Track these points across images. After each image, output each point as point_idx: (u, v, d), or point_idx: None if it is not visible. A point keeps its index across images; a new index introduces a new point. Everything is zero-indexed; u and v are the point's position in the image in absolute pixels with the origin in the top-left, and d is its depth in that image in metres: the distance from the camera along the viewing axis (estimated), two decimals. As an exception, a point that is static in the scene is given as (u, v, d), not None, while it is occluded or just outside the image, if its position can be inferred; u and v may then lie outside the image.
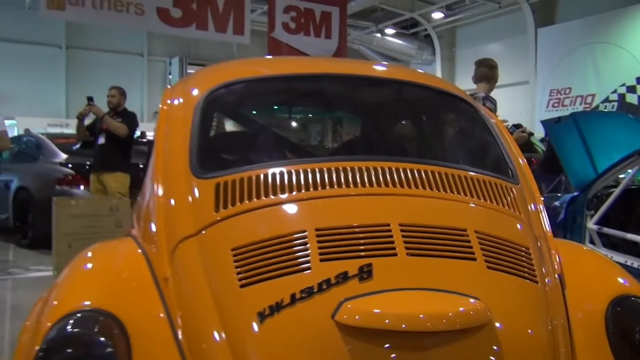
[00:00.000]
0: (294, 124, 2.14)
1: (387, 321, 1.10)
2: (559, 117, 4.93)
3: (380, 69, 2.23)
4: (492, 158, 1.81)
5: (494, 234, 1.40)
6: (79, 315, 1.22)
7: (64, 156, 6.49)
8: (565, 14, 14.64)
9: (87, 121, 5.62)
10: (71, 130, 13.88)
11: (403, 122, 2.24)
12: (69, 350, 1.14)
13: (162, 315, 1.27)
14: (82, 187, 6.01)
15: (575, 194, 4.84)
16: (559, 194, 5.23)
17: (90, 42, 17.69)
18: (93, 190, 5.37)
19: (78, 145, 6.77)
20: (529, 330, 1.29)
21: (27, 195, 6.20)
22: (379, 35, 19.28)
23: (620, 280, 1.55)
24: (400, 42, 19.60)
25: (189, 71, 17.47)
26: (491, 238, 1.38)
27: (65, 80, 17.53)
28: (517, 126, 4.25)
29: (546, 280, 1.42)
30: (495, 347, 1.18)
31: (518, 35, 15.74)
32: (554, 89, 14.54)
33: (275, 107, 2.14)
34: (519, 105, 15.28)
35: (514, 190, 1.62)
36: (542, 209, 1.71)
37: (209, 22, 11.23)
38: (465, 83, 17.97)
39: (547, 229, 1.65)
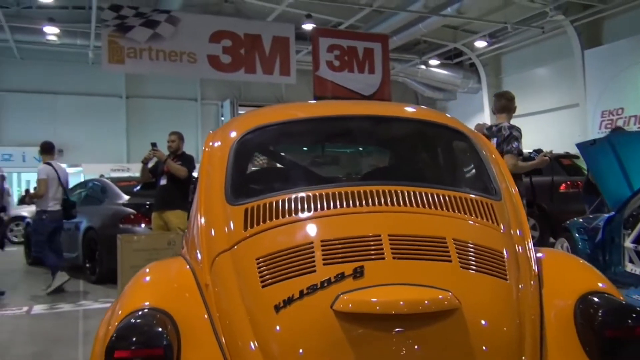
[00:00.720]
0: (310, 157, 2.55)
1: (375, 307, 1.40)
2: (594, 140, 5.00)
3: (381, 108, 2.61)
4: (478, 179, 2.11)
5: (470, 240, 1.66)
6: (141, 312, 1.57)
7: (126, 197, 7.04)
8: (611, 35, 14.45)
9: (150, 164, 6.10)
10: (131, 173, 14.76)
11: (399, 152, 2.57)
12: (134, 338, 1.47)
13: (203, 312, 1.62)
14: (143, 225, 6.50)
15: (612, 214, 4.87)
16: (599, 215, 5.24)
17: (147, 91, 18.81)
18: (155, 226, 5.79)
19: (138, 187, 7.33)
20: (495, 319, 1.51)
21: (95, 235, 6.74)
22: (423, 67, 19.45)
23: (590, 278, 1.76)
24: (445, 72, 19.68)
25: (239, 112, 18.20)
26: (466, 244, 1.64)
27: (126, 127, 18.65)
28: (538, 151, 4.50)
29: (518, 279, 1.64)
30: (463, 330, 1.43)
31: (564, 58, 15.60)
32: (606, 110, 14.25)
33: (295, 144, 2.56)
34: (569, 129, 15.06)
35: (494, 205, 1.88)
36: (524, 221, 1.93)
37: (256, 66, 11.84)
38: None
39: (528, 238, 1.86)
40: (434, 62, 19.20)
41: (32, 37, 15.50)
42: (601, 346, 1.52)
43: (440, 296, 1.41)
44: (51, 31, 14.79)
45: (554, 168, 7.39)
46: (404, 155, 2.54)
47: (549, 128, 15.87)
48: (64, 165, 6.97)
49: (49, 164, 6.27)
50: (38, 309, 5.39)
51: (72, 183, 7.35)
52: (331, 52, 12.29)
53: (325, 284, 1.48)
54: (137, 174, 10.78)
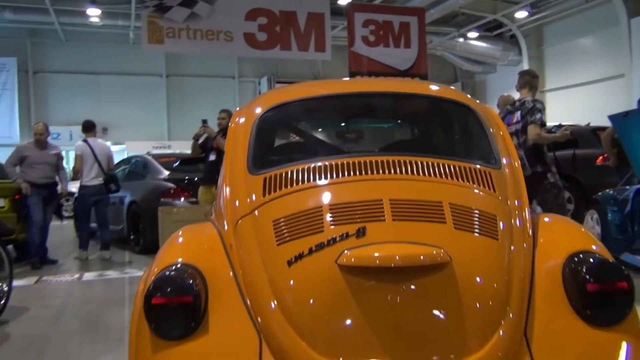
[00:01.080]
0: (325, 131, 2.73)
1: (374, 261, 1.56)
2: (627, 112, 4.95)
3: (394, 85, 2.79)
4: (479, 150, 2.25)
5: (465, 204, 1.81)
6: (174, 267, 1.77)
7: (166, 173, 7.36)
8: (659, 2, 13.89)
9: (200, 140, 6.41)
10: (172, 150, 15.19)
11: (407, 126, 2.75)
12: (168, 288, 1.67)
13: (228, 268, 1.82)
14: (182, 199, 6.82)
15: (641, 185, 4.83)
16: (629, 187, 5.20)
17: (187, 69, 19.19)
18: (203, 200, 6.07)
19: (177, 163, 7.65)
20: (483, 274, 1.66)
21: (138, 208, 7.10)
22: (462, 39, 19.11)
23: (580, 240, 1.89)
24: (484, 44, 19.27)
25: (276, 89, 18.36)
26: (461, 208, 1.79)
27: (167, 105, 19.13)
28: (559, 127, 4.66)
29: (510, 240, 1.78)
30: (453, 283, 1.58)
31: (609, 27, 15.08)
32: (654, 80, 13.77)
33: (312, 119, 2.76)
34: (615, 100, 14.59)
35: (492, 174, 2.02)
36: (522, 189, 2.07)
37: (292, 43, 11.93)
38: (556, 80, 17.41)
39: (525, 205, 1.99)
40: (472, 34, 18.83)
41: (76, 19, 16.02)
42: (584, 299, 1.66)
43: (433, 252, 1.56)
44: (93, 13, 15.24)
45: (591, 141, 7.29)
46: (411, 128, 2.71)
47: (594, 100, 15.44)
48: (108, 143, 7.39)
49: (85, 141, 6.71)
50: (88, 276, 5.80)
51: (116, 160, 7.78)
52: (366, 27, 12.23)
53: (332, 242, 1.66)
54: (178, 151, 11.16)
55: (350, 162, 2.00)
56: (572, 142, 7.62)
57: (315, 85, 2.68)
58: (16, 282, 5.00)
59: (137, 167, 8.08)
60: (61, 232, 9.07)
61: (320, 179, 1.95)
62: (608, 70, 15.43)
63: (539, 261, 1.78)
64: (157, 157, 8.27)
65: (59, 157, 6.59)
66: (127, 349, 1.78)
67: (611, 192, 5.41)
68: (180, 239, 2.06)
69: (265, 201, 1.93)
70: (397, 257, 1.55)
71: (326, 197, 1.87)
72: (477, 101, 2.50)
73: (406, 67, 12.53)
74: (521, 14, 17.18)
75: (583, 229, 2.04)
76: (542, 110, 4.38)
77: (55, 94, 17.99)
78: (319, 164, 2.01)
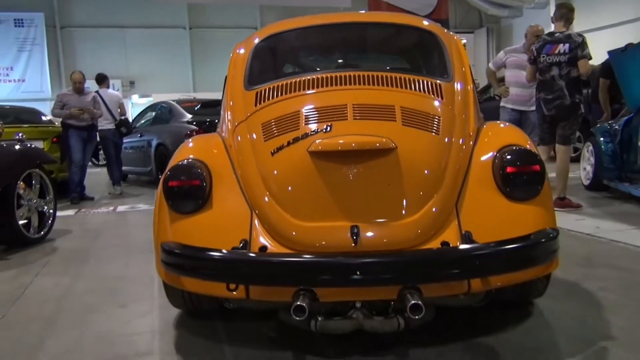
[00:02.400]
0: (306, 53, 3.21)
1: (336, 146, 1.98)
2: (625, 46, 5.13)
3: (368, 15, 3.38)
4: (433, 67, 2.66)
5: (413, 107, 2.24)
6: (185, 161, 2.25)
7: (189, 116, 7.82)
8: None
9: None
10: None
11: (374, 47, 3.21)
12: (181, 175, 2.17)
13: (228, 162, 2.27)
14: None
15: (631, 115, 5.06)
16: (621, 119, 5.42)
17: (209, 21, 19.37)
18: None
19: (199, 107, 8.11)
20: (423, 159, 2.07)
21: (164, 150, 7.59)
22: (486, -18, 18.69)
23: (513, 137, 2.29)
24: (509, -13, 18.81)
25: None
26: (410, 110, 2.21)
27: (191, 57, 19.44)
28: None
29: (450, 136, 2.19)
30: (397, 165, 1.99)
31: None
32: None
33: (296, 45, 3.19)
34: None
35: (442, 85, 2.43)
36: (469, 99, 2.46)
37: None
38: (585, 22, 16.94)
39: (470, 111, 2.39)
40: (498, -23, 18.37)
41: (100, -27, 16.28)
42: (504, 179, 2.08)
43: (382, 140, 1.97)
44: (116, -35, 15.48)
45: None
46: (376, 49, 3.16)
47: (624, 42, 15.11)
48: (117, 92, 8.90)
49: (97, 92, 7.53)
50: (122, 208, 6.39)
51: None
52: (386, -32, 12.21)
53: (305, 136, 2.09)
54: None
55: (323, 77, 2.44)
56: (585, 82, 7.76)
57: (305, 19, 3.10)
58: (59, 213, 5.59)
59: (163, 113, 8.55)
60: (96, 176, 9.70)
61: (299, 90, 2.40)
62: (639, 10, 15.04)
63: (476, 153, 2.19)
64: (180, 102, 8.72)
65: (95, 101, 7.15)
66: (150, 257, 2.23)
67: (605, 124, 5.65)
68: (191, 144, 2.52)
69: (257, 110, 2.39)
70: (353, 144, 1.97)
71: (302, 104, 2.30)
72: (445, 30, 2.89)
73: (427, 12, 12.50)
74: (548, -47, 16.68)
75: (517, 129, 2.47)
76: (588, 45, 4.70)
77: (83, 48, 18.45)
78: (298, 79, 2.46)
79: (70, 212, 6.21)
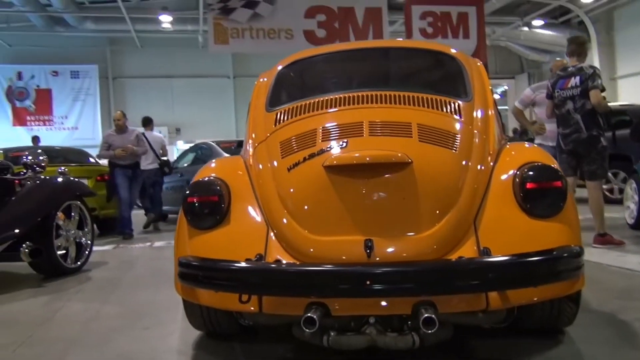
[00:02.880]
0: (328, 78, 3.20)
1: (350, 160, 1.99)
2: None
3: (389, 42, 3.60)
4: (453, 88, 2.64)
5: (430, 124, 2.22)
6: (206, 178, 2.31)
7: (227, 156, 8.01)
8: None
9: None
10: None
11: (394, 70, 3.21)
12: (200, 191, 2.23)
13: (248, 181, 2.30)
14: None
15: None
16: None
17: (252, 70, 19.96)
18: None
19: (235, 146, 8.35)
20: (439, 174, 2.04)
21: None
22: (526, 28, 18.68)
23: (535, 155, 2.25)
24: (550, 32, 18.69)
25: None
26: (427, 127, 2.20)
27: (234, 105, 20.05)
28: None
29: (469, 153, 2.15)
30: (413, 180, 1.97)
31: (686, 7, 14.37)
32: None
33: (317, 69, 3.24)
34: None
35: (461, 105, 2.42)
36: (490, 120, 2.43)
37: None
38: (628, 66, 16.69)
39: (490, 131, 2.37)
40: (537, 22, 18.35)
41: (149, 26, 17.19)
42: (524, 195, 2.03)
43: (396, 154, 1.97)
44: (165, 19, 16.35)
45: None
46: (396, 73, 3.19)
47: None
48: (161, 134, 9.53)
49: (143, 133, 7.96)
50: (158, 243, 6.51)
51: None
52: (424, 19, 12.40)
53: (320, 152, 2.11)
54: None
55: (341, 97, 2.48)
56: (629, 122, 7.57)
57: (329, 46, 3.24)
58: (97, 247, 5.75)
59: (203, 153, 8.80)
60: (136, 217, 9.94)
61: (317, 110, 2.45)
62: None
63: (497, 171, 2.17)
64: (219, 143, 8.98)
65: (139, 139, 7.40)
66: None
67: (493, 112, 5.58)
68: (213, 164, 2.58)
69: (276, 129, 2.44)
70: (368, 158, 1.97)
71: (320, 122, 2.33)
72: (465, 54, 2.92)
73: (465, 57, 12.57)
74: (588, -1, 16.64)
75: (541, 149, 2.42)
76: (600, 76, 4.63)
77: (133, 97, 19.34)
78: (317, 99, 2.51)
79: (108, 247, 6.37)
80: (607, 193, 8.57)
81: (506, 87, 21.58)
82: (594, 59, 17.83)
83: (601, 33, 17.78)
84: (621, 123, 7.53)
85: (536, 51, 20.00)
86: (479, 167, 2.14)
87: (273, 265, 1.93)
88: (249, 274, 1.90)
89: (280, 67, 3.00)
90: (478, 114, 2.42)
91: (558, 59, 6.38)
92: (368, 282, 1.74)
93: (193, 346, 2.51)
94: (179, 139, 19.36)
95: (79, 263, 4.64)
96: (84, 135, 19.01)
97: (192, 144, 18.41)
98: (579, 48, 4.88)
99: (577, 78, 4.68)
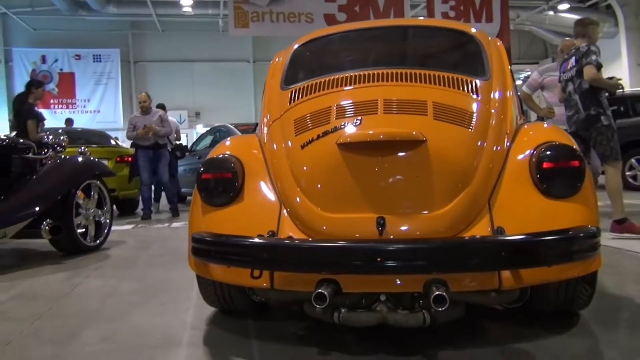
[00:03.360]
0: (345, 56, 3.13)
1: (364, 137, 1.98)
2: None
3: (407, 20, 3.21)
4: (473, 66, 2.58)
5: (447, 103, 2.18)
6: (221, 155, 2.30)
7: (244, 136, 8.05)
8: None
9: None
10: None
11: (411, 48, 3.15)
12: (215, 168, 2.22)
13: (261, 157, 2.31)
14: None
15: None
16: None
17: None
18: None
19: (254, 127, 8.35)
20: (454, 152, 2.01)
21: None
22: (551, 12, 18.25)
23: (552, 134, 2.20)
24: (576, 16, 18.19)
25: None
26: (443, 105, 2.16)
27: (254, 89, 20.07)
28: (610, 78, 4.75)
29: (485, 132, 2.11)
30: (427, 157, 1.95)
31: None
32: None
33: (337, 49, 3.17)
34: None
35: (478, 83, 2.36)
36: (508, 98, 2.37)
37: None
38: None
39: (509, 109, 2.32)
40: (563, 6, 17.92)
41: (171, 11, 17.28)
42: (541, 175, 2.00)
43: (411, 132, 1.95)
44: (186, 3, 16.40)
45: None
46: (414, 51, 3.13)
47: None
48: (175, 119, 9.96)
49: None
50: (176, 224, 6.59)
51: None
52: (446, 2, 12.12)
53: (334, 130, 2.09)
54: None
55: (356, 75, 2.45)
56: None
57: (344, 25, 3.18)
58: (117, 227, 5.84)
59: (221, 135, 8.83)
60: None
61: (331, 87, 2.41)
62: None
63: (514, 151, 2.13)
64: (237, 125, 9.00)
65: (162, 119, 7.42)
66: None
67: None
68: (228, 142, 2.58)
69: (290, 107, 2.42)
70: (382, 135, 1.95)
71: (334, 100, 2.31)
72: (484, 33, 2.84)
73: (488, 41, 12.38)
74: (616, -19, 16.19)
75: (559, 129, 2.36)
76: (597, 53, 4.44)
77: (154, 81, 19.46)
78: (332, 77, 2.48)
79: (127, 227, 6.47)
80: (630, 180, 8.42)
81: (529, 73, 21.21)
82: (622, 44, 17.41)
83: (629, 17, 17.33)
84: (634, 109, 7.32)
85: (561, 36, 19.48)
86: (495, 146, 2.10)
87: (284, 241, 1.93)
88: (260, 249, 1.90)
89: (296, 46, 2.98)
90: (496, 93, 2.37)
91: (567, 38, 6.09)
92: (379, 259, 1.73)
93: (206, 322, 2.53)
94: (198, 123, 19.48)
95: (97, 241, 4.71)
96: (105, 119, 19.22)
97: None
98: (583, 29, 4.71)
99: (573, 58, 4.62)
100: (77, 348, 2.27)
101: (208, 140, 9.39)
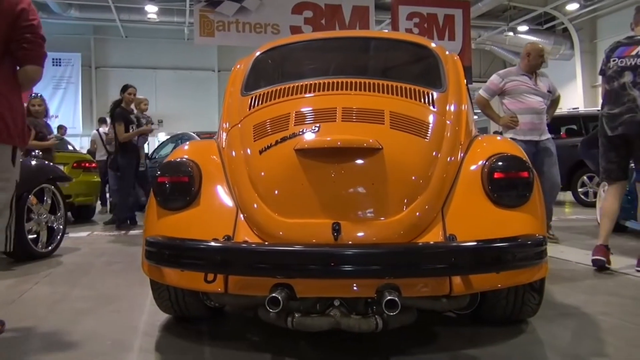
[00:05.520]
0: (305, 65, 3.19)
1: (321, 144, 2.01)
2: None
3: (364, 32, 3.25)
4: (428, 77, 2.68)
5: (403, 113, 2.24)
6: (178, 159, 2.29)
7: (203, 142, 8.00)
8: None
9: None
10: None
11: (369, 59, 3.22)
12: (171, 171, 2.20)
13: (219, 162, 2.30)
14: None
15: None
16: None
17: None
18: None
19: (216, 137, 8.31)
20: (409, 160, 2.07)
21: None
22: (511, 33, 18.83)
23: (505, 146, 2.29)
24: (534, 38, 18.84)
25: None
26: (400, 115, 2.22)
27: (218, 98, 19.93)
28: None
29: (440, 142, 2.18)
30: (382, 165, 1.99)
31: (663, 18, 14.62)
32: None
33: (293, 55, 3.22)
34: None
35: (434, 94, 2.44)
36: (462, 110, 2.45)
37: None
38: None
39: (462, 122, 2.38)
40: (522, 28, 18.54)
41: (135, 16, 17.02)
42: (492, 185, 2.07)
43: (367, 140, 1.99)
44: (151, 10, 16.20)
45: None
46: (373, 62, 3.21)
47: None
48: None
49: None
50: (133, 232, 6.42)
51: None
52: (410, 19, 12.42)
53: (292, 136, 2.11)
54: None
55: (316, 83, 2.48)
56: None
57: (306, 35, 3.21)
58: (71, 234, 5.69)
59: (183, 142, 8.74)
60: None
61: (291, 95, 2.44)
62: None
63: (467, 161, 2.19)
64: (200, 133, 8.93)
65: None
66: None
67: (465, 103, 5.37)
68: (186, 146, 2.57)
69: (250, 113, 2.44)
70: (339, 142, 1.99)
71: (293, 107, 2.33)
72: (442, 48, 2.93)
73: (449, 59, 12.67)
74: (573, 6, 16.79)
75: (511, 141, 2.45)
76: None
77: (116, 88, 18.88)
78: (292, 84, 2.51)
79: (83, 233, 6.30)
80: (582, 196, 8.70)
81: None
82: (577, 66, 18.09)
83: (584, 41, 18.03)
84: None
85: (520, 56, 20.16)
86: (449, 157, 2.16)
87: (238, 244, 1.92)
88: (214, 252, 1.88)
89: (258, 53, 3.00)
90: (451, 106, 2.43)
91: (534, 43, 5.50)
92: (332, 263, 1.74)
93: (159, 328, 2.49)
94: (161, 131, 19.19)
95: (50, 248, 4.57)
96: (64, 124, 18.71)
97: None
98: None
99: None
100: (20, 356, 2.19)
101: (169, 148, 9.28)
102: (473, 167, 2.16)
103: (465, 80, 2.75)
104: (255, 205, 2.04)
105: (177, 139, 9.27)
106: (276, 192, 2.05)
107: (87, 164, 7.44)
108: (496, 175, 2.07)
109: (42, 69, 2.44)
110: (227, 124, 2.50)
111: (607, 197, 3.82)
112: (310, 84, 2.48)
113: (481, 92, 4.98)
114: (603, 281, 3.43)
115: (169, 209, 2.16)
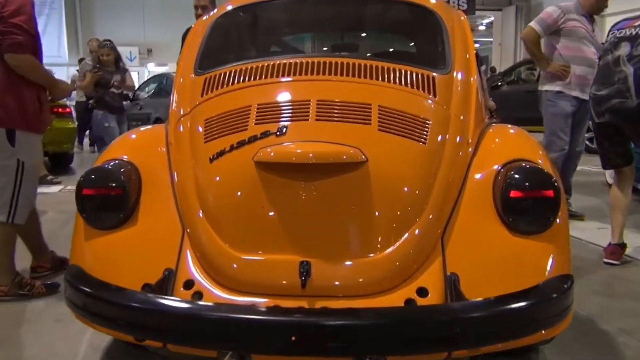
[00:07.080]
0: (279, 34, 2.67)
1: (287, 157, 1.52)
2: None
3: None
4: (428, 54, 2.17)
5: (395, 108, 1.75)
6: (112, 162, 1.81)
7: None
8: None
9: None
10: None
11: (358, 30, 2.66)
12: (100, 181, 1.73)
13: (165, 165, 1.83)
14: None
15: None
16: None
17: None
18: None
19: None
20: (401, 175, 1.61)
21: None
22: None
23: (521, 147, 1.81)
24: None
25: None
26: (391, 110, 1.73)
27: (210, 27, 18.96)
28: None
29: (443, 145, 1.71)
30: (366, 182, 1.53)
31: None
32: None
33: (267, 22, 2.67)
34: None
35: (435, 78, 1.93)
36: (472, 97, 1.95)
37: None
38: (621, 2, 15.89)
39: (470, 111, 1.89)
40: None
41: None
42: (506, 206, 1.60)
43: (348, 151, 1.51)
44: None
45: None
46: (362, 31, 2.64)
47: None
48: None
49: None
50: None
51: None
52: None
53: (252, 140, 1.63)
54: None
55: (287, 62, 1.97)
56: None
57: None
58: (39, 189, 5.23)
59: (166, 85, 8.16)
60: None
61: (254, 78, 1.93)
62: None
63: (474, 167, 1.72)
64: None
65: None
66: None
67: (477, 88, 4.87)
68: (130, 137, 2.10)
69: (202, 100, 1.94)
70: (310, 155, 1.50)
71: (256, 97, 1.84)
72: (445, 6, 2.35)
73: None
74: None
75: (529, 138, 1.93)
76: None
77: (101, 15, 18.09)
78: (256, 64, 1.99)
79: (54, 188, 5.87)
80: None
81: (492, 19, 20.71)
82: None
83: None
84: None
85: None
86: (453, 163, 1.70)
87: (171, 304, 1.46)
88: (143, 315, 1.44)
89: (225, 10, 2.43)
90: (456, 89, 1.94)
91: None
92: (294, 339, 1.31)
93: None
94: (150, 61, 18.36)
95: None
96: (48, 53, 17.48)
97: (164, 67, 17.57)
98: None
99: None
100: None
101: (152, 87, 8.69)
102: (482, 177, 1.70)
103: (474, 50, 2.21)
104: (202, 233, 1.60)
105: (163, 78, 8.65)
106: (230, 216, 1.60)
107: (59, 109, 6.88)
108: (512, 194, 1.60)
109: (22, 55, 2.56)
110: (178, 110, 2.02)
111: (614, 187, 3.33)
112: (281, 64, 1.97)
113: (533, 24, 4.02)
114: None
115: (98, 228, 1.71)
